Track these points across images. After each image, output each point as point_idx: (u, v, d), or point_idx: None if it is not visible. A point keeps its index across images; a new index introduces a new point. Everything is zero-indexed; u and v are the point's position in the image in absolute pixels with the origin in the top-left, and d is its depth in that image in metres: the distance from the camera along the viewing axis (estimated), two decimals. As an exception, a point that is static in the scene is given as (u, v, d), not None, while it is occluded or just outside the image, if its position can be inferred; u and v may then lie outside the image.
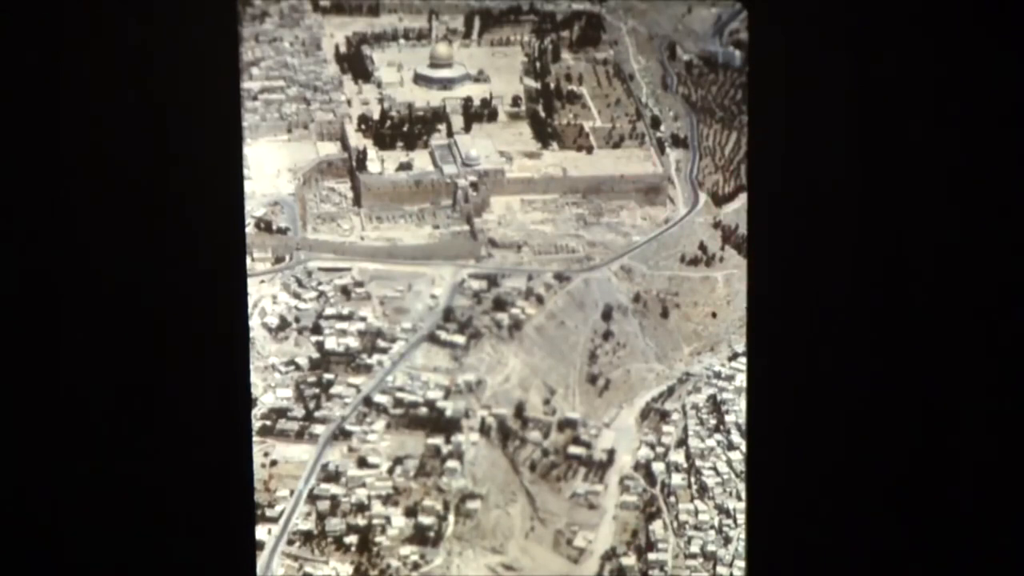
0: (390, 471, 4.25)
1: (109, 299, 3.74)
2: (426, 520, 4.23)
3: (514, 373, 4.35)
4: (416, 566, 4.21)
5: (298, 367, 4.31)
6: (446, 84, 4.60)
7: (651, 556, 4.25)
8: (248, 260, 4.14)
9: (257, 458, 4.15)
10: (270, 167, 4.41)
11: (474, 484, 4.25)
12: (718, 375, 4.39)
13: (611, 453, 4.32)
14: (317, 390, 4.31)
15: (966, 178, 3.84)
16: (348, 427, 4.28)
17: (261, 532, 4.14)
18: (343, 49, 4.61)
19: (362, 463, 4.26)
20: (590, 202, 4.48)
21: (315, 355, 4.32)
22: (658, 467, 4.33)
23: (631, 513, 4.29)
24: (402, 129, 4.52)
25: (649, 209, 4.51)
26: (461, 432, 4.27)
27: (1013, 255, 3.85)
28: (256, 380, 4.17)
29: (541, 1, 4.47)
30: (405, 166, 4.51)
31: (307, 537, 4.20)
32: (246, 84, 4.38)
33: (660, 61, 4.58)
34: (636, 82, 4.62)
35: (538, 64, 4.56)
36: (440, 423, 4.27)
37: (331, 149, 4.55)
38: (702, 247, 4.45)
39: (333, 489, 4.24)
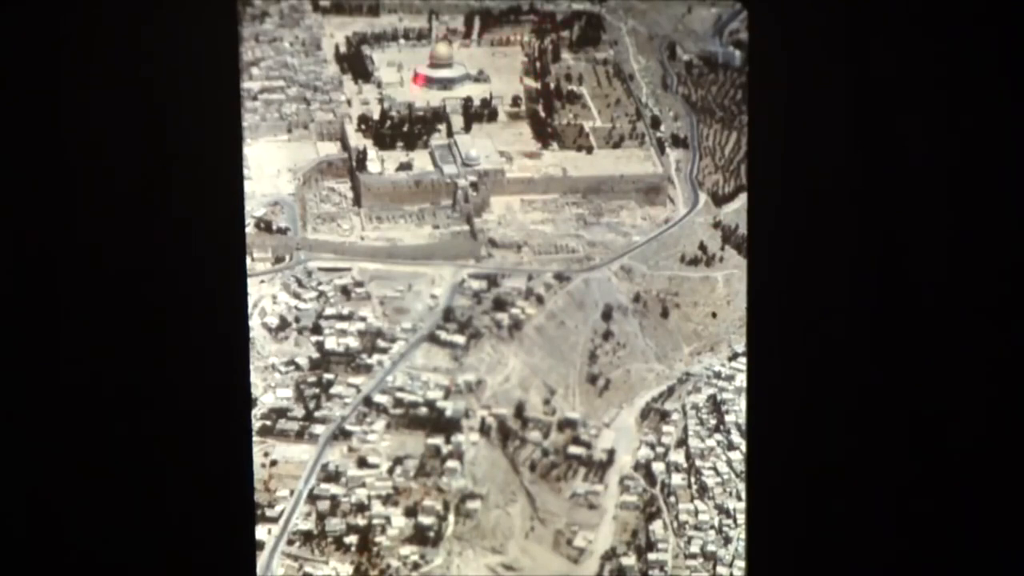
0: (390, 471, 4.25)
1: (109, 299, 3.74)
2: (426, 520, 4.23)
3: (514, 373, 4.35)
4: (416, 566, 4.21)
5: (298, 367, 4.31)
6: (446, 84, 4.60)
7: (651, 556, 4.25)
8: (248, 260, 4.14)
9: (257, 458, 4.15)
10: (270, 167, 4.41)
11: (474, 484, 4.25)
12: (718, 375, 4.39)
13: (611, 453, 4.32)
14: (317, 390, 4.31)
15: (965, 178, 3.84)
16: (348, 427, 4.28)
17: (261, 532, 4.14)
18: (343, 49, 4.61)
19: (362, 463, 4.26)
20: (590, 202, 4.48)
21: (315, 355, 4.32)
22: (658, 467, 4.33)
23: (631, 513, 4.29)
24: (402, 129, 4.52)
25: (649, 209, 4.51)
26: (461, 432, 4.27)
27: (1013, 255, 3.85)
28: (256, 380, 4.17)
29: (541, 1, 4.47)
30: (405, 166, 4.51)
31: (307, 537, 4.20)
32: (246, 84, 4.38)
33: (660, 61, 4.58)
34: (636, 82, 4.62)
35: (538, 64, 4.56)
36: (440, 423, 4.27)
37: (331, 149, 4.55)
38: (702, 247, 4.45)
39: (333, 489, 4.24)
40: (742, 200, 4.21)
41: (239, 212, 3.86)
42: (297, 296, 4.37)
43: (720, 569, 4.23)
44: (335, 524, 4.21)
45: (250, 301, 4.11)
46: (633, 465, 4.33)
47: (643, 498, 4.30)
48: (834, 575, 3.93)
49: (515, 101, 4.58)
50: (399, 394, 4.31)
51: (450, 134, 4.52)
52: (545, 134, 4.56)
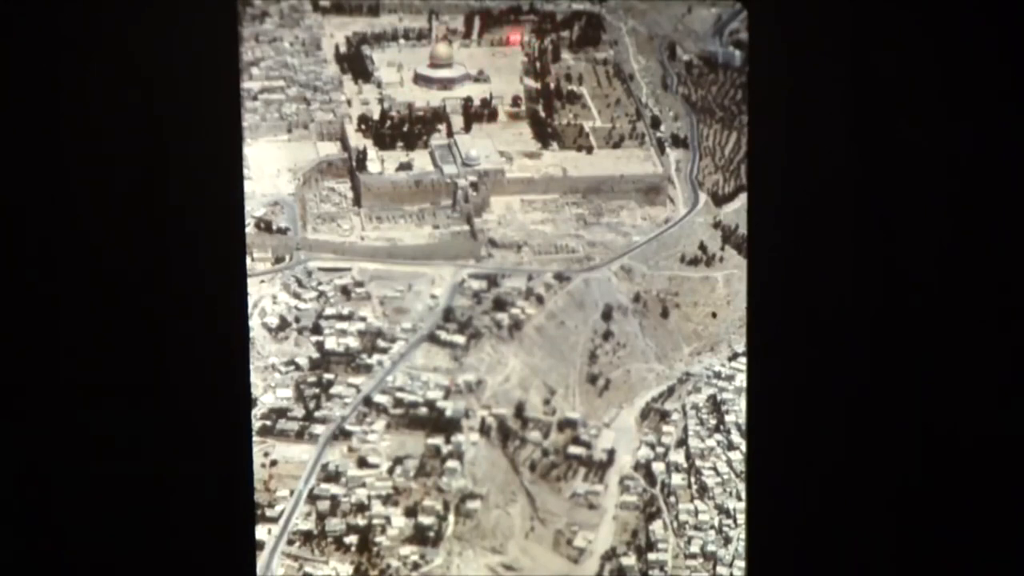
0: (390, 471, 4.25)
1: (109, 299, 3.74)
2: (426, 520, 4.23)
3: (514, 373, 4.35)
4: (416, 566, 4.21)
5: (298, 367, 4.31)
6: (446, 84, 4.60)
7: (651, 556, 4.25)
8: (248, 260, 4.14)
9: (257, 458, 4.15)
10: (270, 167, 4.41)
11: (474, 484, 4.25)
12: (718, 375, 4.39)
13: (611, 453, 4.32)
14: (317, 390, 4.31)
15: (965, 178, 3.84)
16: (348, 427, 4.28)
17: (261, 532, 4.14)
18: (343, 49, 4.61)
19: (362, 463, 4.26)
20: (590, 202, 4.48)
21: (315, 355, 4.32)
22: (658, 467, 4.33)
23: (631, 513, 4.29)
24: (402, 129, 4.52)
25: (649, 209, 4.51)
26: (461, 432, 4.27)
27: (1012, 255, 3.85)
28: (256, 380, 4.17)
29: (541, 1, 4.47)
30: (405, 166, 4.51)
31: (307, 537, 4.20)
32: (246, 84, 4.38)
33: (660, 61, 4.58)
34: (636, 82, 4.62)
35: (538, 64, 4.56)
36: (440, 423, 4.28)
37: (331, 149, 4.55)
38: (702, 247, 4.45)
39: (333, 489, 4.24)
40: (742, 200, 4.21)
41: (239, 212, 3.87)
42: (297, 296, 4.37)
43: (720, 569, 4.23)
44: (335, 524, 4.21)
45: (250, 301, 4.11)
46: (633, 465, 4.33)
47: (643, 498, 4.30)
48: (834, 575, 3.93)
49: (515, 101, 4.58)
50: (399, 394, 4.31)
51: (450, 134, 4.52)
52: (545, 134, 4.56)
